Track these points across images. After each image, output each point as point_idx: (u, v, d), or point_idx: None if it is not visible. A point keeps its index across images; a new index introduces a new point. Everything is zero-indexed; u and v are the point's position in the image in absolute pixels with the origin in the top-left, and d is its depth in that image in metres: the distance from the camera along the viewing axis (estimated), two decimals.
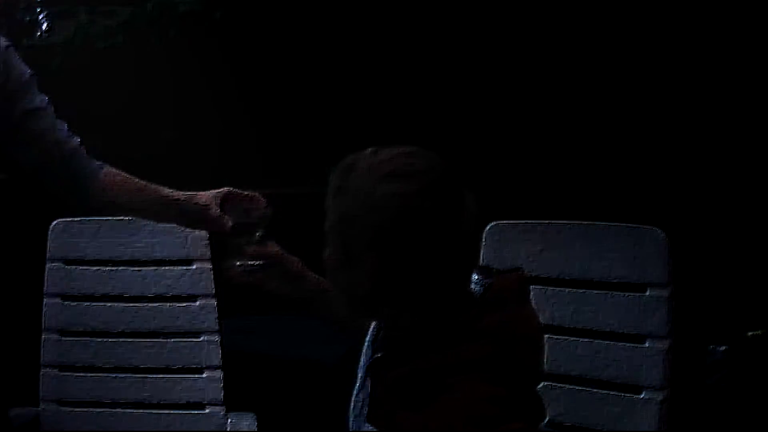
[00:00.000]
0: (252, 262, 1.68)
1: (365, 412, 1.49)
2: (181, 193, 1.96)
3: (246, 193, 1.88)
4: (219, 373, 2.46)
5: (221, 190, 1.90)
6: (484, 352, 1.35)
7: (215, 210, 1.87)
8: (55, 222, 2.55)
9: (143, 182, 2.01)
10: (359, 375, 1.54)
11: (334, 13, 4.43)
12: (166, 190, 1.98)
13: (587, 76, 4.11)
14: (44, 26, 4.98)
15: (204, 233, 2.45)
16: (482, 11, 4.26)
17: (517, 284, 1.47)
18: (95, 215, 2.40)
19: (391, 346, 1.47)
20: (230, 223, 1.84)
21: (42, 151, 1.94)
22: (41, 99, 1.99)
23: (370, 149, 1.43)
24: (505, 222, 2.23)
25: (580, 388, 2.11)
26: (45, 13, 5.00)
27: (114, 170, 2.03)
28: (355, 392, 1.53)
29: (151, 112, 4.45)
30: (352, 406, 1.53)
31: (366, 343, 1.55)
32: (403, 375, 1.40)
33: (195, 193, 1.92)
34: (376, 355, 1.50)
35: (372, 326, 1.55)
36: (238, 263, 1.69)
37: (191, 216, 1.94)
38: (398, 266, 1.37)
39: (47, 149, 1.95)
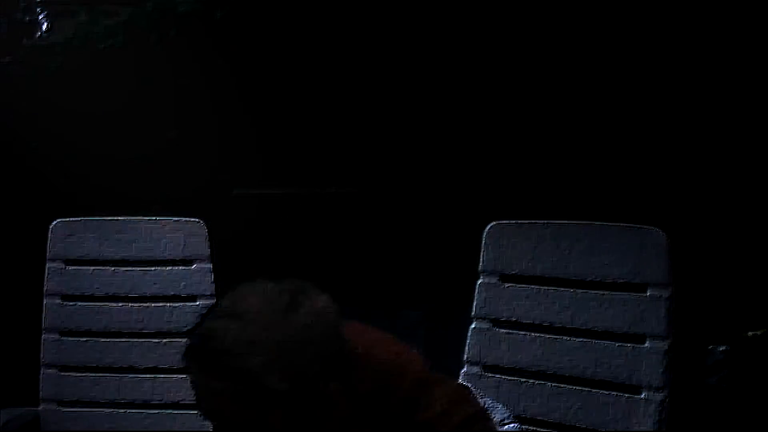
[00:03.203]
0: None
1: None
2: None
3: None
4: None
5: None
6: None
7: None
8: (55, 222, 2.55)
9: None
10: None
11: (335, 13, 4.43)
12: None
13: (587, 76, 4.11)
14: (44, 26, 4.98)
15: (205, 234, 2.46)
16: (482, 11, 4.26)
17: None
18: None
19: None
20: None
21: None
22: None
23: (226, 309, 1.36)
24: (505, 222, 2.23)
25: (580, 388, 2.11)
26: (45, 13, 5.00)
27: None
28: None
29: (151, 112, 4.45)
30: None
31: None
32: None
33: None
34: None
35: None
36: None
37: None
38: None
39: None
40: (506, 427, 1.40)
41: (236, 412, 1.30)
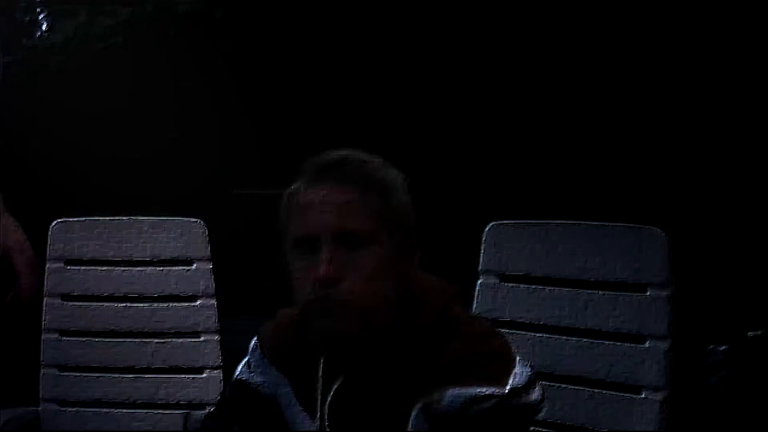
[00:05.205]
0: None
1: None
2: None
3: None
4: (219, 373, 2.46)
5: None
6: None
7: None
8: (55, 222, 2.55)
9: None
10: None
11: (334, 13, 4.43)
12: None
13: (587, 76, 4.11)
14: (44, 26, 4.99)
15: (205, 234, 2.47)
16: (480, 12, 4.26)
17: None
18: None
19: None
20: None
21: None
22: None
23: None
24: (505, 222, 2.23)
25: (580, 388, 2.11)
26: (45, 13, 5.00)
27: None
28: None
29: (151, 112, 4.45)
30: None
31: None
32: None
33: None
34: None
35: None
36: None
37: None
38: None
39: None
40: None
41: (357, 229, 1.39)
